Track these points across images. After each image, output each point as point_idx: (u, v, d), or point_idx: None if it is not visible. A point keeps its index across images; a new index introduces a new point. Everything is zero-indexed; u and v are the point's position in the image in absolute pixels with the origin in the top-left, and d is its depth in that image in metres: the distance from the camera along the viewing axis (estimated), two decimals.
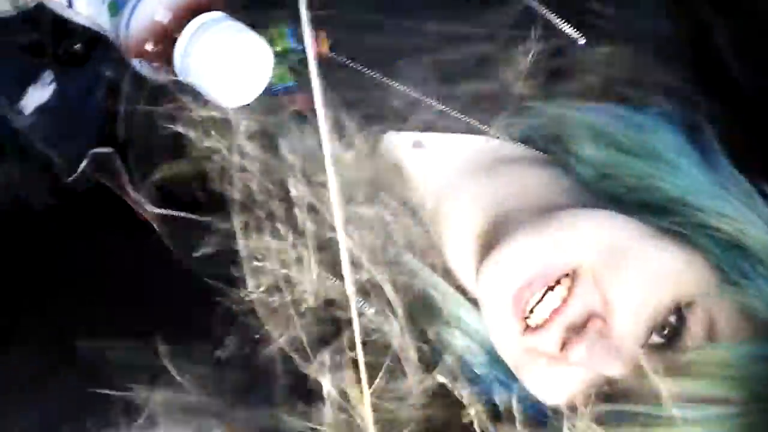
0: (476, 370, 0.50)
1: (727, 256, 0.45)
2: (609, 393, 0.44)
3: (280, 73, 0.54)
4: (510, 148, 0.54)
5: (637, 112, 0.52)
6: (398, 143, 0.56)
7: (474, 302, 0.51)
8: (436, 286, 0.51)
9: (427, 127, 0.55)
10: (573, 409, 0.44)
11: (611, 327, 0.44)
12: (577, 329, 0.44)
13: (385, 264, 0.49)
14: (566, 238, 0.46)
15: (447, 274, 0.52)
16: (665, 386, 0.42)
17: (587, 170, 0.50)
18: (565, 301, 0.44)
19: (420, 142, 0.56)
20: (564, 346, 0.44)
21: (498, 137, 0.54)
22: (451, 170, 0.54)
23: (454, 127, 0.54)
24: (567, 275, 0.44)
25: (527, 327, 0.45)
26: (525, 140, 0.54)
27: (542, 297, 0.44)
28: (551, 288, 0.44)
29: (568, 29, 0.54)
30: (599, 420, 0.43)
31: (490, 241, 0.48)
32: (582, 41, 0.54)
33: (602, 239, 0.45)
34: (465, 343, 0.50)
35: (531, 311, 0.45)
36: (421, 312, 0.50)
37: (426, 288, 0.51)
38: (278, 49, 0.54)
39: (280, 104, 0.53)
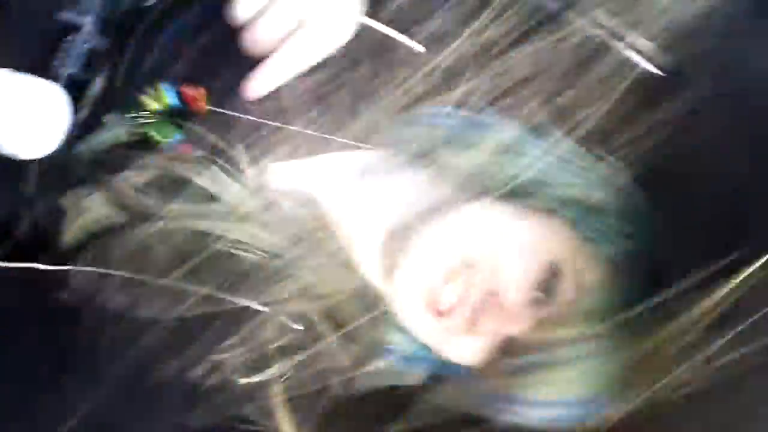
0: (404, 355, 0.57)
1: (582, 219, 0.54)
2: (513, 348, 0.53)
3: (167, 130, 0.57)
4: (390, 157, 0.60)
5: (479, 114, 0.59)
6: (285, 173, 0.60)
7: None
8: (365, 290, 0.57)
9: (311, 153, 0.60)
10: (487, 364, 0.53)
11: (505, 298, 0.52)
12: (480, 306, 0.52)
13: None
14: (457, 238, 0.54)
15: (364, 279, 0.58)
16: (552, 335, 0.51)
17: (454, 173, 0.57)
18: (467, 287, 0.52)
19: (298, 172, 0.60)
20: (472, 321, 0.52)
21: (378, 150, 0.60)
22: (343, 186, 0.59)
23: (335, 148, 0.59)
24: (463, 267, 0.52)
25: (439, 312, 0.53)
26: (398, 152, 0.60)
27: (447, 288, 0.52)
28: (453, 279, 0.53)
29: (406, 40, 0.60)
30: (508, 372, 0.52)
31: (392, 249, 0.55)
32: (422, 49, 0.60)
33: (483, 230, 0.54)
34: (396, 336, 0.57)
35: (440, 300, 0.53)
36: (352, 314, 0.56)
37: (355, 293, 0.57)
38: (160, 107, 0.58)
39: (172, 157, 0.56)
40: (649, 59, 0.54)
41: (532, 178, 0.55)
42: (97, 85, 0.58)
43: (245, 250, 0.54)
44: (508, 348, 0.53)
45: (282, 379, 0.54)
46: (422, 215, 0.55)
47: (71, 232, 0.57)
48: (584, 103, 0.55)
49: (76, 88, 0.57)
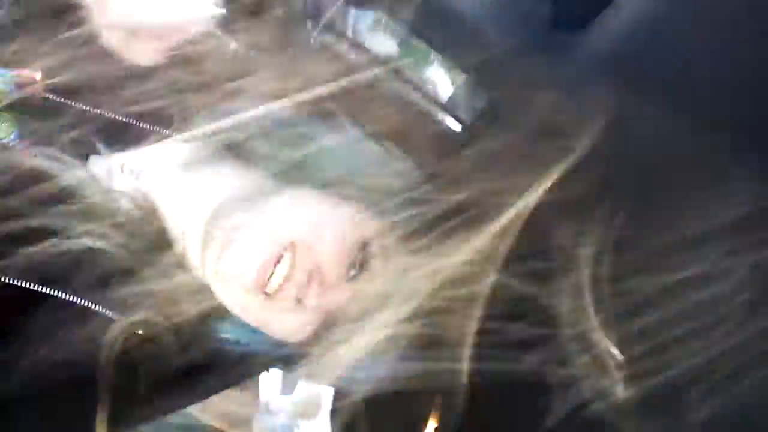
0: (235, 341, 0.60)
1: (380, 203, 0.61)
2: (334, 320, 0.59)
3: (5, 125, 0.52)
4: (207, 149, 0.62)
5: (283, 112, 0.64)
6: (105, 167, 0.58)
7: None
8: (196, 285, 0.58)
9: (128, 146, 0.59)
10: (313, 338, 0.59)
11: (326, 276, 0.58)
12: (304, 285, 0.57)
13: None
14: (277, 223, 0.57)
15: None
16: (367, 304, 0.58)
17: (268, 164, 0.62)
18: (292, 269, 0.57)
19: (124, 165, 0.59)
20: (298, 299, 0.57)
21: (193, 142, 0.62)
22: (166, 180, 0.60)
23: (150, 140, 0.60)
24: (287, 249, 0.56)
25: (267, 293, 0.56)
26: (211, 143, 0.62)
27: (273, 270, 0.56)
28: (278, 261, 0.56)
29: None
30: (331, 342, 0.58)
31: (212, 239, 0.57)
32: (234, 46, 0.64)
33: (300, 214, 0.58)
34: (226, 325, 0.59)
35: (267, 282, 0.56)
36: (185, 311, 0.56)
37: (187, 289, 0.57)
38: None
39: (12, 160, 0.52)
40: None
41: (336, 169, 0.62)
42: None
43: (92, 248, 0.52)
44: (331, 321, 0.59)
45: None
46: (238, 205, 0.58)
47: None
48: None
49: None
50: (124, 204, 0.56)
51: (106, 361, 0.49)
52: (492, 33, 0.67)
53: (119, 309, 0.52)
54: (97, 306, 0.51)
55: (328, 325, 0.60)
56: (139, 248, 0.55)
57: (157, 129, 0.60)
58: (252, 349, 0.61)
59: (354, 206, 0.60)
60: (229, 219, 0.57)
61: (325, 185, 0.61)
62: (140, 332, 0.53)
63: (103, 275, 0.52)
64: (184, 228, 0.59)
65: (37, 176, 0.52)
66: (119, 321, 0.51)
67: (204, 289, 0.58)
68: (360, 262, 0.59)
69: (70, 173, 0.53)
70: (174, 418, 0.63)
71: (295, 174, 0.61)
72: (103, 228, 0.53)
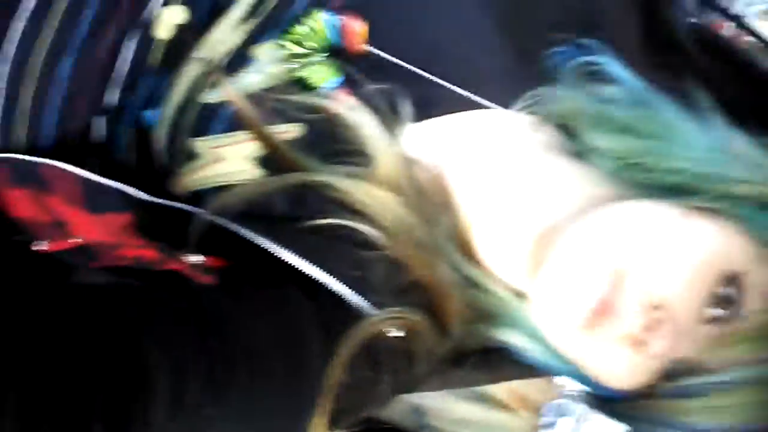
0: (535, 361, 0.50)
1: (758, 219, 0.46)
2: (677, 370, 0.45)
3: (325, 73, 0.50)
4: (537, 136, 0.54)
5: (635, 89, 0.52)
6: (419, 135, 0.53)
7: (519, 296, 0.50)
8: (483, 284, 0.50)
9: (448, 112, 0.53)
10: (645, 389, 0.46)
11: (674, 314, 0.44)
12: (648, 321, 0.44)
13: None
14: (604, 245, 0.46)
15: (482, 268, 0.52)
16: (728, 354, 0.44)
17: (607, 162, 0.51)
18: (615, 302, 0.45)
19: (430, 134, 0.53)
20: (640, 342, 0.44)
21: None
22: (469, 154, 0.53)
23: (466, 108, 0.54)
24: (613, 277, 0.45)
25: (596, 320, 0.45)
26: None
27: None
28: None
29: None
30: (664, 396, 0.45)
31: (543, 245, 0.48)
32: None
33: (632, 234, 0.46)
34: (522, 342, 0.50)
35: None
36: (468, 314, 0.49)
37: (472, 287, 0.50)
38: (316, 43, 0.50)
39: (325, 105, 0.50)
40: None
41: (703, 172, 0.48)
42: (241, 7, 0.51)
43: (362, 218, 0.48)
44: (673, 370, 0.46)
45: None
46: (573, 211, 0.48)
47: (192, 180, 0.50)
48: None
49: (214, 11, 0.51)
50: (416, 177, 0.50)
51: (342, 360, 0.45)
52: None
53: (376, 300, 0.47)
54: (351, 292, 0.46)
55: (668, 377, 0.46)
56: (416, 233, 0.49)
57: (478, 98, 0.53)
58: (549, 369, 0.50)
59: (714, 222, 0.46)
60: (557, 228, 0.48)
61: (674, 191, 0.47)
62: (394, 333, 0.47)
63: (361, 260, 0.47)
64: (478, 217, 0.51)
65: (336, 126, 0.49)
66: (371, 318, 0.46)
67: (488, 288, 0.50)
68: (725, 300, 0.45)
69: (372, 132, 0.49)
70: None
71: (638, 174, 0.49)
72: (384, 202, 0.48)
